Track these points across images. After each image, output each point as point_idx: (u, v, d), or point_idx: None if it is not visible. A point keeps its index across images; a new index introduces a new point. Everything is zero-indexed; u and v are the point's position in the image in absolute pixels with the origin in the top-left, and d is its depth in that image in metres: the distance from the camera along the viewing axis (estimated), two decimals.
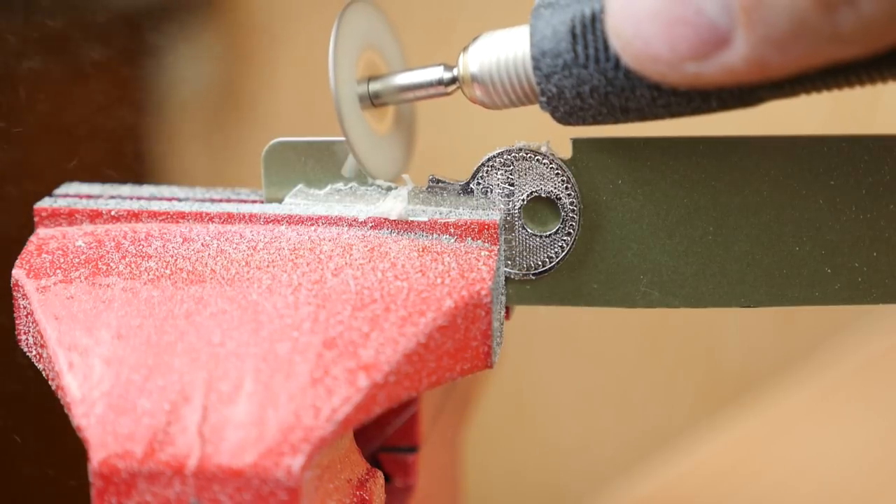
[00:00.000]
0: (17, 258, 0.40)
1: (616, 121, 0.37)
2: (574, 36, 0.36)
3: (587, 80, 0.36)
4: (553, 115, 0.38)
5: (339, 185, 0.41)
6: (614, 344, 0.94)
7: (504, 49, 0.38)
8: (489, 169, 0.40)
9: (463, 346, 0.38)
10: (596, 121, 0.37)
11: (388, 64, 0.42)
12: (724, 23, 0.33)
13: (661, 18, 0.34)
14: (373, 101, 0.41)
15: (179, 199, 0.42)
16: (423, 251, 0.39)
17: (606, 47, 0.36)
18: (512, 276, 0.40)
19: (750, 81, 0.35)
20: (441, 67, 0.40)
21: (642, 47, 0.34)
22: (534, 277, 0.40)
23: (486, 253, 0.39)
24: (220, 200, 0.41)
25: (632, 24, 0.34)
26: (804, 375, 0.79)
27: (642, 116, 0.37)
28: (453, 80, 0.40)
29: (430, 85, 0.40)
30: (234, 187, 0.43)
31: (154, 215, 0.41)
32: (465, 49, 0.39)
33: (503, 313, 0.40)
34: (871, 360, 0.81)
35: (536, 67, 0.37)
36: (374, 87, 0.41)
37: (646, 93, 0.36)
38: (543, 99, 0.37)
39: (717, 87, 0.35)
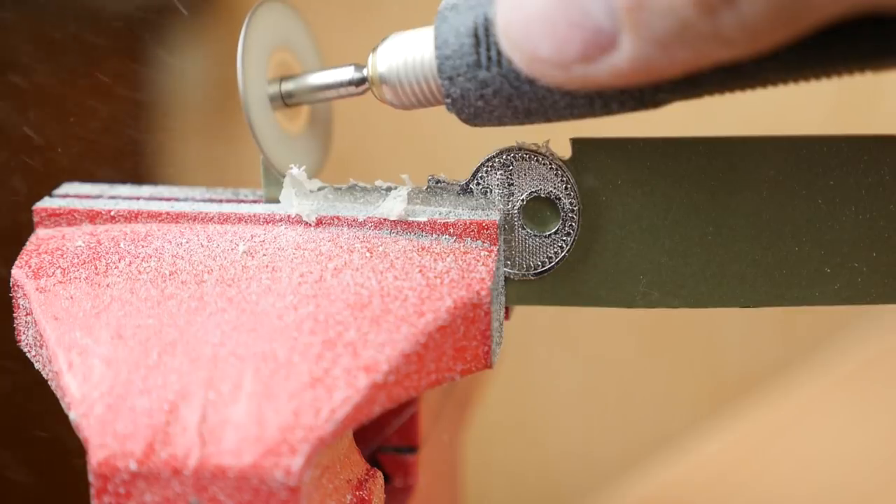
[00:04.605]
0: (16, 258, 0.40)
1: (521, 122, 0.37)
2: (476, 38, 0.36)
3: (490, 82, 0.36)
4: (459, 116, 0.38)
5: (339, 185, 0.41)
6: (614, 344, 0.94)
7: (411, 50, 0.38)
8: (489, 169, 0.40)
9: (462, 346, 0.38)
10: (502, 122, 0.37)
11: (302, 63, 0.42)
12: (609, 25, 0.33)
13: (548, 21, 0.33)
14: (285, 101, 0.41)
15: (179, 199, 0.42)
16: (422, 251, 0.39)
17: None
18: (511, 277, 0.40)
19: (638, 83, 0.35)
20: (352, 67, 0.40)
21: (531, 50, 0.34)
22: (533, 277, 0.40)
23: (486, 253, 0.39)
24: (220, 200, 0.41)
25: (520, 27, 0.34)
26: (804, 375, 0.79)
27: (547, 118, 0.37)
28: (363, 81, 0.40)
29: (340, 85, 0.40)
30: (234, 187, 0.43)
31: (154, 215, 0.41)
32: (374, 49, 0.39)
33: (503, 313, 0.40)
34: (871, 360, 0.81)
35: (440, 70, 0.37)
36: (287, 86, 0.41)
37: (547, 95, 0.36)
38: (448, 101, 0.37)
39: (611, 89, 0.35)
